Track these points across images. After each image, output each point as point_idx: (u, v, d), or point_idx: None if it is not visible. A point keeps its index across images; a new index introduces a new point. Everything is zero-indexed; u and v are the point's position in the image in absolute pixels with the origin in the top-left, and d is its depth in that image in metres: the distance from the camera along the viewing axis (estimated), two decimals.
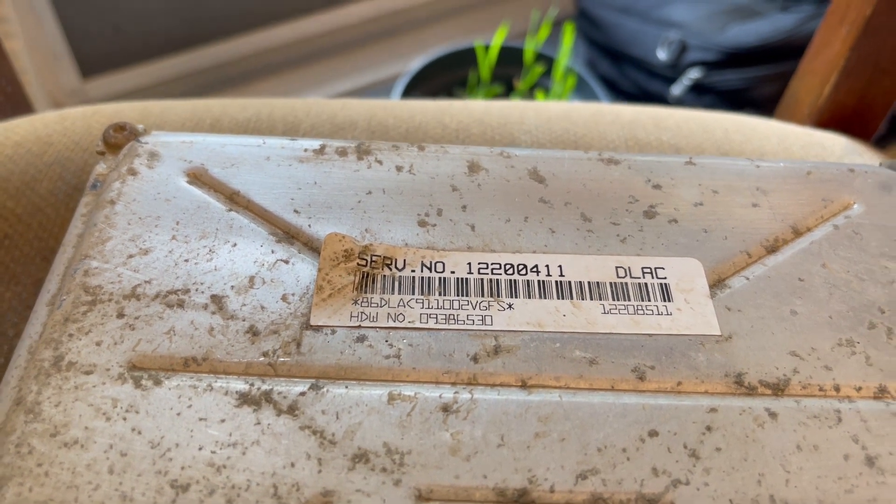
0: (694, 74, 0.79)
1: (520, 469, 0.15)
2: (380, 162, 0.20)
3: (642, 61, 0.85)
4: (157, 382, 0.16)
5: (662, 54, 0.82)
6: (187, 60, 0.89)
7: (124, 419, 0.15)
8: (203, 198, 0.19)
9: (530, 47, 0.75)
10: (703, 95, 0.79)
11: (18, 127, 0.30)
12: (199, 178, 0.19)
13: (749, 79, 0.78)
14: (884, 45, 0.31)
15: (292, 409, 0.15)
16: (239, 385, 0.16)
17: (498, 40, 0.73)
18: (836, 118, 0.34)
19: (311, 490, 0.14)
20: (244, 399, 0.16)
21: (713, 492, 0.15)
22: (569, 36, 0.73)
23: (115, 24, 0.84)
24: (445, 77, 0.77)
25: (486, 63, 0.75)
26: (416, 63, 0.76)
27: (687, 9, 0.83)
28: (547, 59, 0.76)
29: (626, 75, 0.89)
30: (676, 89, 0.80)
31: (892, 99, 0.33)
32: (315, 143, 0.20)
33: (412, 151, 0.20)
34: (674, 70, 0.81)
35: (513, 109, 0.31)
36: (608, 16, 0.89)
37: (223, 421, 0.15)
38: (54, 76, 0.80)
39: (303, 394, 0.16)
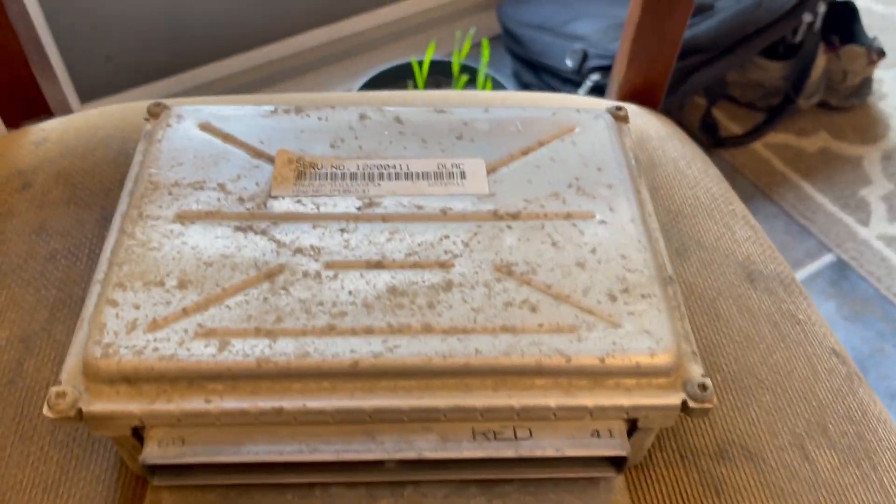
0: (595, 77, 0.95)
1: (377, 252, 0.30)
2: (308, 115, 0.35)
3: (555, 69, 1.02)
4: (192, 222, 0.31)
5: (570, 62, 0.98)
6: (168, 85, 1.04)
7: (178, 237, 0.30)
8: (209, 138, 0.34)
9: (456, 60, 0.91)
10: (603, 96, 0.96)
11: (75, 119, 0.45)
12: (206, 127, 0.34)
13: None
14: (650, 42, 0.47)
15: (264, 232, 0.30)
16: (235, 223, 0.31)
17: (429, 56, 0.89)
18: (631, 93, 0.49)
19: (273, 263, 0.29)
20: (238, 228, 0.30)
21: (475, 259, 0.30)
22: (486, 51, 0.89)
23: (107, 55, 0.99)
24: (388, 87, 0.93)
25: (421, 75, 0.90)
26: (364, 77, 0.92)
27: (589, 24, 0.99)
28: (471, 70, 0.92)
29: (544, 82, 1.05)
30: (581, 92, 0.96)
31: (665, 78, 0.49)
32: (271, 107, 0.35)
33: (327, 109, 0.36)
34: (579, 75, 0.97)
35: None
36: (527, 33, 1.06)
37: (228, 238, 0.30)
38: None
39: (268, 226, 0.31)
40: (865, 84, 1.11)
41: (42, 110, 0.47)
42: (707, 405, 0.27)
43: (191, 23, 0.99)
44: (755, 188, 1.03)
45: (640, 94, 0.49)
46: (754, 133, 1.07)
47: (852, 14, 1.07)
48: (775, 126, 1.08)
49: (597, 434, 0.27)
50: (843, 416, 0.34)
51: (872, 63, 1.07)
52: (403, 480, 0.28)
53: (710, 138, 1.07)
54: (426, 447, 0.27)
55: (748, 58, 1.00)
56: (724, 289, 0.38)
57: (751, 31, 0.95)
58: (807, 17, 0.99)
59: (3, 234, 0.38)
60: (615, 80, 0.51)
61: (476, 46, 1.08)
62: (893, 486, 0.32)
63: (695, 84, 0.97)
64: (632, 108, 0.48)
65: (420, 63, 0.90)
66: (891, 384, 0.87)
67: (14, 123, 0.46)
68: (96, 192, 0.40)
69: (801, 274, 0.96)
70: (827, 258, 0.97)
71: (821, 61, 1.05)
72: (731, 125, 1.10)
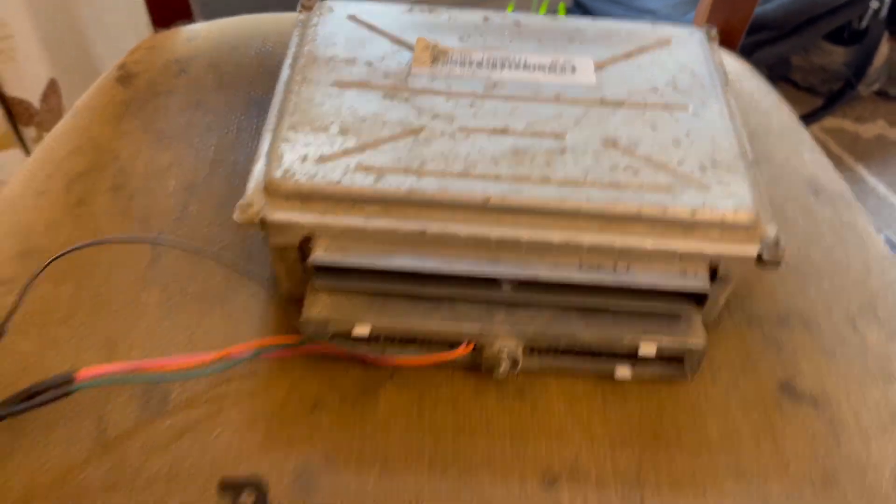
0: None
1: (501, 123, 0.35)
2: (440, 14, 0.41)
3: None
4: (348, 88, 0.36)
5: None
6: None
7: (337, 98, 0.36)
8: (356, 26, 0.40)
9: None
10: None
11: (219, 22, 0.51)
12: (354, 18, 0.40)
13: None
14: None
15: (406, 100, 0.36)
16: (382, 91, 0.36)
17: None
18: None
19: (416, 124, 0.35)
20: (385, 96, 0.36)
21: (585, 133, 0.35)
22: (562, 12, 0.94)
23: None
24: None
25: None
26: None
27: None
28: None
29: None
30: None
31: (745, 24, 0.54)
32: (408, 6, 0.41)
33: (456, 11, 0.41)
34: None
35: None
36: (598, 5, 1.10)
37: (377, 102, 0.36)
38: None
39: (409, 96, 0.36)
40: None
41: (187, 16, 0.53)
42: (779, 258, 0.32)
43: None
44: None
45: (721, 39, 0.54)
46: (812, 116, 1.11)
47: None
48: (834, 111, 1.11)
49: (684, 274, 0.32)
50: (893, 304, 0.39)
51: None
52: (517, 302, 0.33)
53: None
54: (540, 270, 0.32)
55: (813, 40, 1.03)
56: (791, 197, 0.43)
57: (818, 12, 0.98)
58: (873, 4, 1.02)
59: (167, 108, 0.45)
60: (697, 21, 0.56)
61: (552, 13, 1.12)
62: None
63: (758, 61, 1.00)
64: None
65: None
66: None
67: (163, 25, 0.53)
68: (242, 81, 0.47)
69: None
70: None
71: (884, 49, 1.08)
72: None
